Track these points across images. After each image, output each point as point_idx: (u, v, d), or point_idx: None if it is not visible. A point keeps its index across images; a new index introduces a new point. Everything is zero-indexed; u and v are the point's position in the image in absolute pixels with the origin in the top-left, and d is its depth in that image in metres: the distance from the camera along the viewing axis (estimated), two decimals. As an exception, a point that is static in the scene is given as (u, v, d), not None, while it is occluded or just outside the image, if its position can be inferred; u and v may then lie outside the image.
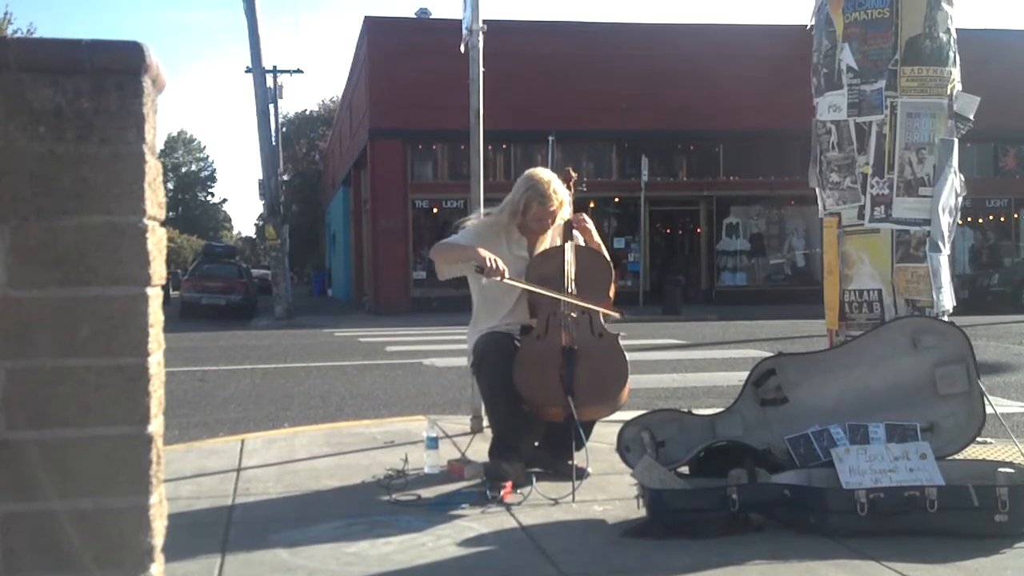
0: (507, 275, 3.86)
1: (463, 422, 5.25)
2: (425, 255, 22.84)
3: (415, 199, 23.28)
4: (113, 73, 1.46)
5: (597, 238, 4.22)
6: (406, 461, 4.18)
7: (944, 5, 4.04)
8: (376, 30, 23.73)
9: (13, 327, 1.42)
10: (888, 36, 4.02)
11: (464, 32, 5.23)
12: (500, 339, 3.99)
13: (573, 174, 4.31)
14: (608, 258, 4.17)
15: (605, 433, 4.19)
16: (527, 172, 4.17)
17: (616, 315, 4.10)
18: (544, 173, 4.10)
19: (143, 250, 1.48)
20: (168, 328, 1.64)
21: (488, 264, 3.81)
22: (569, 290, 3.95)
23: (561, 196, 4.06)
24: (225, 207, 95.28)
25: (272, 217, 22.65)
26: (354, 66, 28.33)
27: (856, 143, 4.10)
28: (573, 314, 3.91)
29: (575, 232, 4.12)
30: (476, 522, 3.40)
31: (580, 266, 4.02)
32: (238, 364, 10.14)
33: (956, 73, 4.12)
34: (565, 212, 4.11)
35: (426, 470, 4.13)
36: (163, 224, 1.59)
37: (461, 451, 4.42)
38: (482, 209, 5.07)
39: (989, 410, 3.62)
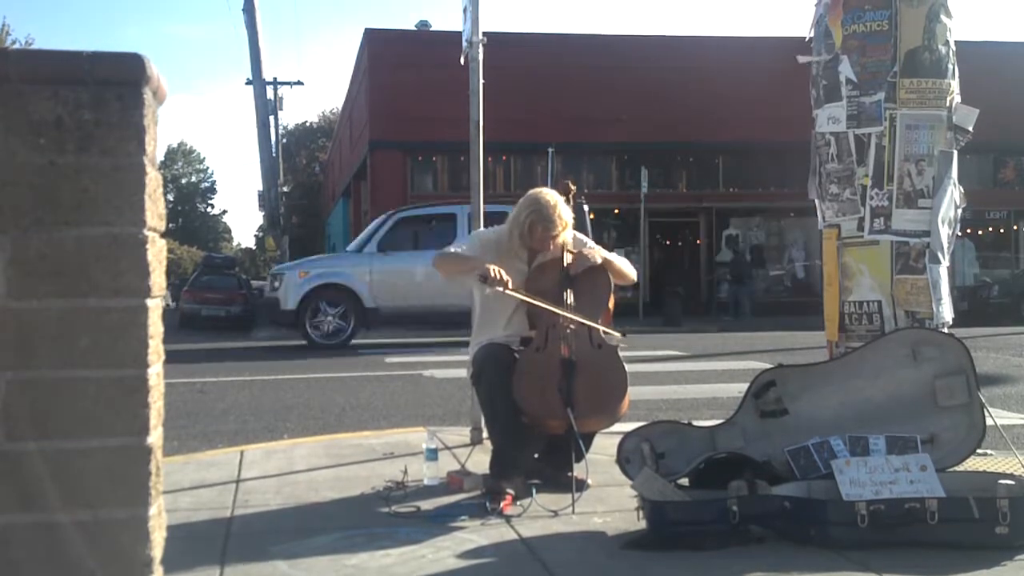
0: (510, 286, 3.84)
1: (463, 434, 5.24)
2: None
3: (415, 210, 23.28)
4: (114, 85, 1.46)
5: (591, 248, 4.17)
6: (406, 473, 4.16)
7: (943, 17, 4.06)
8: (376, 42, 23.80)
9: (13, 338, 1.42)
10: (887, 48, 4.04)
11: (464, 44, 5.24)
12: (499, 351, 3.98)
13: (572, 187, 4.29)
14: (607, 270, 4.15)
15: (605, 445, 4.18)
16: (532, 193, 4.10)
17: (617, 336, 4.07)
18: (550, 196, 4.04)
19: (143, 261, 1.48)
20: (168, 339, 1.64)
21: (492, 275, 3.79)
22: (568, 302, 3.94)
23: (566, 219, 4.02)
24: (225, 218, 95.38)
25: (272, 228, 22.76)
26: (354, 78, 28.39)
27: (855, 155, 4.11)
28: (572, 326, 3.90)
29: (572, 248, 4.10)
30: (476, 534, 3.39)
31: (579, 278, 4.01)
32: (237, 375, 10.11)
33: (955, 85, 4.13)
34: (568, 234, 4.08)
35: (426, 482, 4.12)
36: (163, 235, 1.59)
37: (461, 463, 4.41)
38: (482, 223, 5.08)
39: (989, 422, 3.61)
